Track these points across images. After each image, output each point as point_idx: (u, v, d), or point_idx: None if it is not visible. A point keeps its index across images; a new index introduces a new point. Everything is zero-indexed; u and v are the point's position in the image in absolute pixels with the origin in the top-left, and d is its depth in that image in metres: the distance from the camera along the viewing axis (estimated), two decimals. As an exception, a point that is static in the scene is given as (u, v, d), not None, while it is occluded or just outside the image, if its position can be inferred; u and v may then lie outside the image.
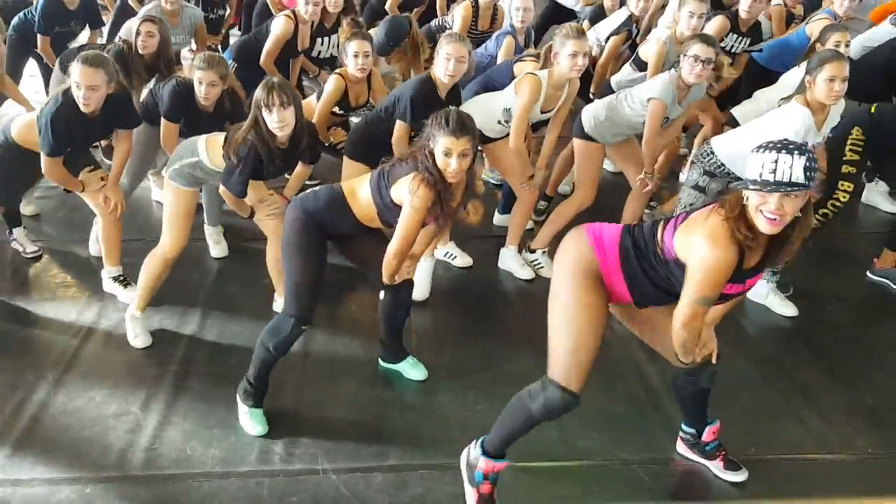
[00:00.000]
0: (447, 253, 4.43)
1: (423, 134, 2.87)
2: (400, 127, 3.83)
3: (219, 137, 3.51)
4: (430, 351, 3.60)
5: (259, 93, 3.21)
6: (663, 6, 5.66)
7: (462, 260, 4.43)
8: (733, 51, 5.22)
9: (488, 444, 2.67)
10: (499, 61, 4.92)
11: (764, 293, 4.09)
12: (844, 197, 4.07)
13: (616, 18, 5.49)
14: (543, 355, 2.55)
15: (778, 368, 3.63)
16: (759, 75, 5.07)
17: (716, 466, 2.93)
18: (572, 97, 4.14)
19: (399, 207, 2.89)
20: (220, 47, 6.20)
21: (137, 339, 3.61)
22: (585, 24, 5.63)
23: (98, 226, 4.15)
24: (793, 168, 2.17)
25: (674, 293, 2.44)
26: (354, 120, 4.54)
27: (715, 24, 5.02)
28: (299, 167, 3.73)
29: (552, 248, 4.21)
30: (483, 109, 4.01)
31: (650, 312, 2.65)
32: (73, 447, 2.98)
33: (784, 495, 2.88)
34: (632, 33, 5.49)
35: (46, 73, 5.69)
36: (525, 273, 4.33)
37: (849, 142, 4.10)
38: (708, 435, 2.93)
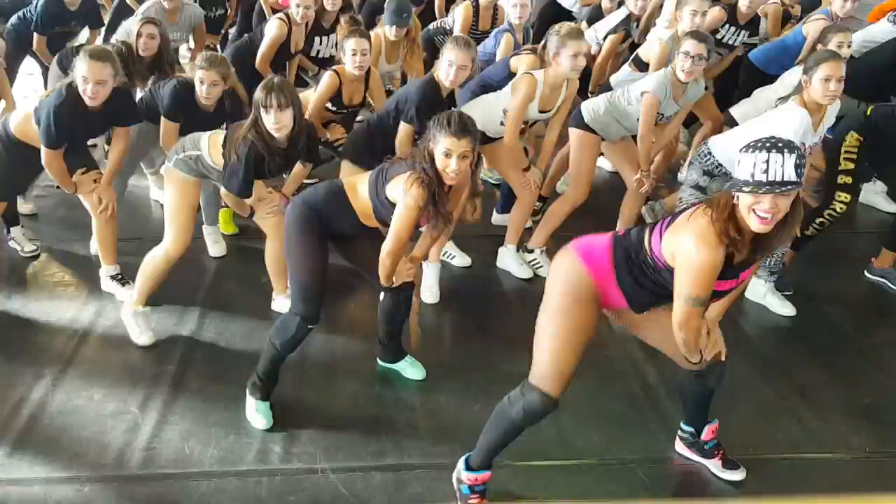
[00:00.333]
0: (446, 252, 4.43)
1: (425, 135, 2.88)
2: (405, 129, 3.83)
3: (220, 136, 3.52)
4: (428, 350, 3.59)
5: (259, 93, 3.22)
6: (661, 6, 5.66)
7: (461, 259, 4.44)
8: (731, 43, 5.23)
9: (472, 459, 2.69)
10: (498, 59, 4.92)
11: (762, 293, 4.10)
12: (841, 208, 4.08)
13: (614, 18, 5.50)
14: (541, 355, 2.55)
15: (776, 368, 3.64)
16: (757, 76, 5.08)
17: (714, 465, 2.94)
18: (572, 97, 4.14)
19: (394, 206, 2.89)
20: (219, 47, 6.20)
21: (143, 336, 3.58)
22: (583, 24, 5.63)
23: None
24: (784, 167, 2.19)
25: (668, 296, 2.44)
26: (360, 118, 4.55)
27: (710, 16, 5.01)
28: (298, 166, 3.74)
29: (550, 247, 4.24)
30: (485, 110, 4.02)
31: (653, 317, 2.65)
32: (71, 446, 2.98)
33: (782, 494, 2.88)
34: (629, 32, 5.50)
35: (46, 71, 5.68)
36: (524, 272, 4.33)
37: (843, 150, 4.09)
38: (707, 434, 2.93)
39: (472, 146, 2.82)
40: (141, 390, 3.30)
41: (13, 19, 5.67)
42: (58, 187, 3.99)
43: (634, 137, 4.20)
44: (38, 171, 3.94)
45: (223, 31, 6.65)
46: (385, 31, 4.98)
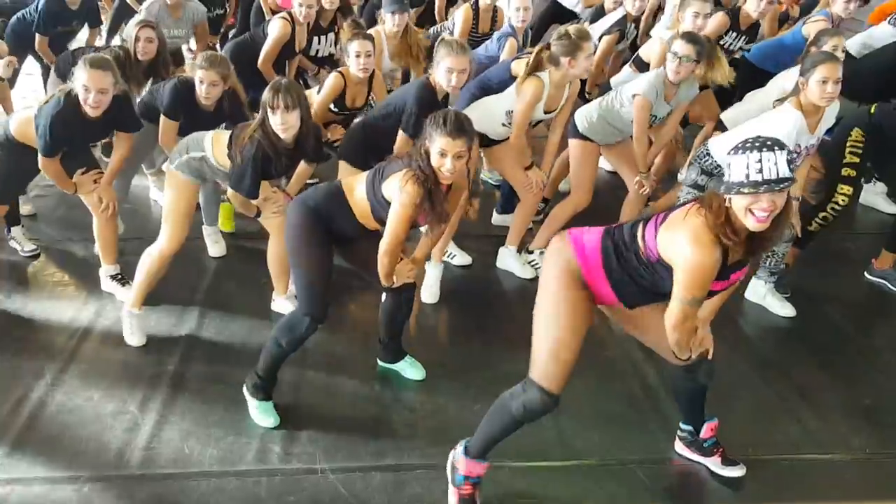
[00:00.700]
0: (447, 252, 4.43)
1: (422, 133, 2.88)
2: (403, 138, 3.82)
3: (223, 135, 3.52)
4: (428, 350, 3.60)
5: (266, 94, 3.24)
6: (659, 6, 5.67)
7: (461, 259, 4.44)
8: (731, 49, 5.23)
9: (471, 445, 2.69)
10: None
11: (762, 294, 4.10)
12: (844, 200, 4.08)
13: (610, 18, 5.51)
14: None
15: (775, 369, 3.63)
16: (751, 76, 5.07)
17: (713, 463, 2.94)
18: (573, 97, 4.16)
19: (390, 204, 2.90)
20: (218, 47, 6.20)
21: (133, 336, 3.60)
22: (586, 25, 5.63)
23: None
24: (778, 164, 2.22)
25: (660, 292, 2.46)
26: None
27: (714, 22, 5.00)
28: (302, 166, 3.74)
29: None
30: (486, 112, 4.03)
31: (643, 313, 2.66)
32: (70, 446, 2.98)
33: (782, 495, 2.88)
34: (624, 33, 5.50)
35: (46, 72, 5.68)
36: (525, 272, 4.33)
37: (848, 144, 4.10)
38: (706, 432, 2.93)
39: (468, 146, 2.82)
40: (141, 390, 3.29)
41: (12, 21, 5.66)
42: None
43: (632, 139, 4.21)
44: (38, 171, 3.94)
45: (223, 32, 6.65)
46: (385, 24, 4.98)
